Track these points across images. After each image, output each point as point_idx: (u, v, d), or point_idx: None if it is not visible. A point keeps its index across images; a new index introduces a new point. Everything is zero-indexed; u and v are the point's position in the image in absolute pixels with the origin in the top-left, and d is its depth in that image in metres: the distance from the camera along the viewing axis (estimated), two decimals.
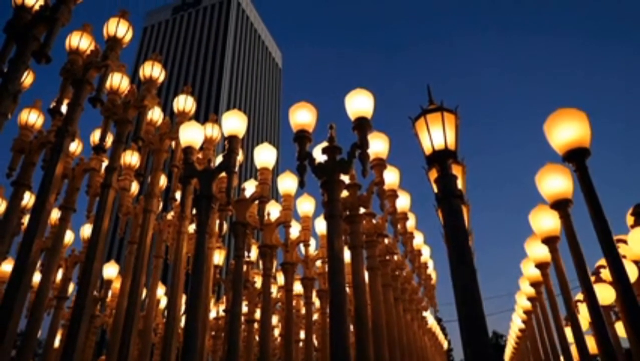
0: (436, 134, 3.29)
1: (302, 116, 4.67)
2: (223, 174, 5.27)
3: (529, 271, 6.95)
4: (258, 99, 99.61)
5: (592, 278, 6.30)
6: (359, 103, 4.61)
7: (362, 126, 4.48)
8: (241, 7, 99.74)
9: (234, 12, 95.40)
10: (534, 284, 7.09)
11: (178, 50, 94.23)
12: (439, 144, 3.27)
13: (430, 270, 9.39)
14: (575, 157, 3.60)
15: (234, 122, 5.18)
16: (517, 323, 12.36)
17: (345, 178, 4.94)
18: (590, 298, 3.96)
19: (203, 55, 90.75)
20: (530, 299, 8.21)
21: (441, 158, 3.27)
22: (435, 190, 3.36)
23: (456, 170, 4.17)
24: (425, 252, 8.59)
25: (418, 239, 7.82)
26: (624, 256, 5.45)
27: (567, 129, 3.68)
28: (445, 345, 22.24)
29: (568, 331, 5.98)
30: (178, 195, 6.48)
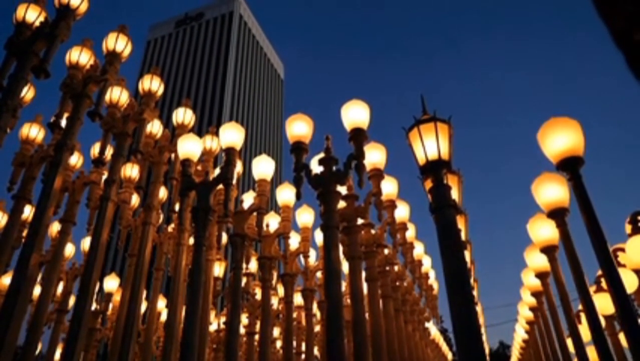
0: (429, 144, 3.29)
1: (299, 128, 4.69)
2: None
3: (530, 280, 6.89)
4: (260, 110, 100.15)
5: (594, 288, 6.26)
6: (355, 114, 4.63)
7: (358, 136, 4.49)
8: (243, 20, 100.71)
9: (236, 24, 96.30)
10: (535, 294, 7.03)
11: (181, 63, 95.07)
12: (432, 154, 3.28)
13: (432, 280, 9.34)
14: (569, 166, 3.59)
15: (232, 135, 5.20)
16: (520, 333, 12.23)
17: (343, 189, 4.95)
18: (589, 309, 3.91)
19: (206, 68, 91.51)
20: (532, 309, 8.14)
21: (435, 168, 3.27)
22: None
23: (452, 180, 4.17)
24: (426, 262, 8.55)
25: (418, 250, 7.79)
26: (624, 265, 5.41)
27: (560, 138, 3.67)
28: (449, 356, 22.02)
29: (571, 342, 5.92)
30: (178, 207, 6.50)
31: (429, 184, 3.47)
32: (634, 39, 0.62)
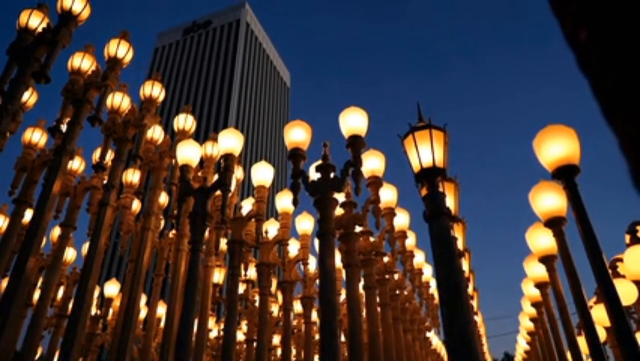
0: (424, 151, 3.28)
1: (297, 134, 4.69)
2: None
3: (530, 291, 6.80)
4: (266, 117, 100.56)
5: (594, 298, 6.18)
6: (353, 121, 4.63)
7: (355, 143, 4.48)
8: (250, 28, 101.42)
9: (242, 33, 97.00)
10: (535, 305, 6.94)
11: (188, 71, 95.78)
12: (427, 161, 3.27)
13: (433, 289, 9.26)
14: (565, 175, 3.55)
15: (230, 141, 5.21)
16: (522, 344, 12.09)
17: (341, 196, 4.93)
18: (587, 322, 3.82)
19: (212, 75, 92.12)
20: (532, 320, 8.04)
21: (429, 176, 3.25)
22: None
23: (448, 188, 4.16)
24: (427, 271, 8.48)
25: (419, 258, 7.73)
26: (623, 276, 5.33)
27: (556, 146, 3.64)
28: None
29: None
30: None
31: (425, 191, 3.46)
32: (579, 39, 0.62)
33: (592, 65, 0.60)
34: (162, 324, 9.38)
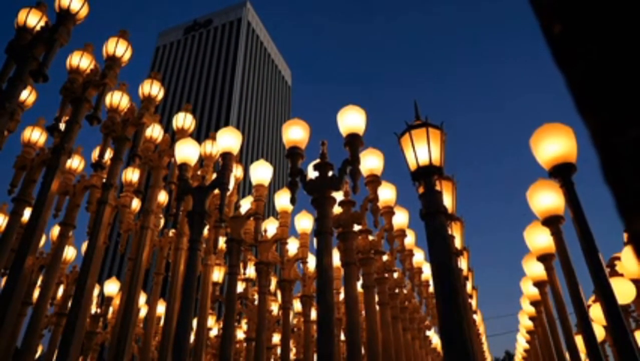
0: (421, 150, 3.28)
1: (295, 133, 4.70)
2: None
3: (529, 289, 6.80)
4: (268, 116, 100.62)
5: (593, 297, 6.17)
6: (351, 119, 4.62)
7: (353, 142, 4.48)
8: (251, 27, 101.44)
9: (244, 32, 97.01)
10: (534, 303, 6.94)
11: (189, 69, 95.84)
12: (423, 160, 3.26)
13: (433, 288, 9.26)
14: (561, 173, 3.55)
15: (228, 139, 5.22)
16: (521, 343, 12.08)
17: (340, 195, 4.93)
18: (584, 321, 3.80)
19: (214, 74, 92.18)
20: (532, 318, 8.03)
21: (426, 174, 3.25)
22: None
23: (446, 186, 4.16)
24: (427, 270, 8.47)
25: (418, 257, 7.72)
26: (622, 274, 5.33)
27: (552, 144, 3.63)
28: None
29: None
30: None
31: (422, 190, 3.45)
32: (554, 33, 0.62)
33: (565, 59, 0.60)
34: (162, 323, 9.44)
